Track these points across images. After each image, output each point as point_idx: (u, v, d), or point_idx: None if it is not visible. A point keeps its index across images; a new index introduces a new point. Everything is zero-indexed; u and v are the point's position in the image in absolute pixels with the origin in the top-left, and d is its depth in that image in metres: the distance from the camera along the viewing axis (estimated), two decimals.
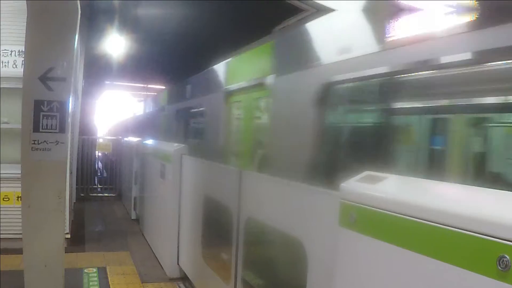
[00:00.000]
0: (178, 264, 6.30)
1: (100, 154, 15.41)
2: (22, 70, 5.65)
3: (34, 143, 4.65)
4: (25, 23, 4.55)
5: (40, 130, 4.65)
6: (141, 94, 24.80)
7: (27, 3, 4.43)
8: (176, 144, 6.51)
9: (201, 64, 7.96)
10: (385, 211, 2.08)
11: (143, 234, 8.61)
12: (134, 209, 10.15)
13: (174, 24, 11.24)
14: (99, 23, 11.72)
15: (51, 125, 4.67)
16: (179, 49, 13.47)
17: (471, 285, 1.65)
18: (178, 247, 6.29)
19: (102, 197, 12.95)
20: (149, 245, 7.86)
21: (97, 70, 16.51)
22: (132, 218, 10.17)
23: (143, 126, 12.76)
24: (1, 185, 6.58)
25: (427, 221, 1.84)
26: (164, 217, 6.71)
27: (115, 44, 13.33)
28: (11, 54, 6.86)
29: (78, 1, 4.57)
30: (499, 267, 1.54)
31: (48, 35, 4.55)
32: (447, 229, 1.75)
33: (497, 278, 1.54)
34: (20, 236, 4.90)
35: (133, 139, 11.14)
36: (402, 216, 1.98)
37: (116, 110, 26.14)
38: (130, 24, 12.16)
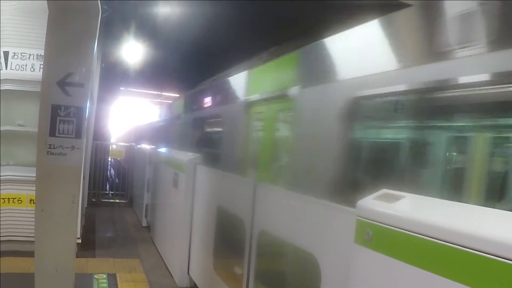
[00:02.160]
0: (188, 273, 6.27)
1: (112, 160, 15.47)
2: (39, 73, 5.71)
3: (50, 148, 4.67)
4: (45, 26, 4.60)
5: (57, 134, 4.67)
6: (155, 101, 24.94)
7: (47, 3, 4.47)
8: (190, 154, 6.51)
9: (217, 72, 7.87)
10: (402, 230, 2.05)
11: (153, 242, 8.59)
12: (145, 216, 10.15)
13: (191, 31, 11.27)
14: (115, 29, 11.81)
15: (68, 130, 4.69)
16: (195, 58, 13.51)
17: None
18: (188, 256, 6.27)
19: (113, 203, 12.98)
20: (159, 253, 7.84)
21: (113, 76, 16.64)
22: (143, 225, 10.17)
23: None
24: (14, 187, 6.63)
25: (445, 242, 1.81)
26: (176, 226, 6.70)
27: (131, 50, 13.43)
28: (29, 57, 6.93)
29: (99, 1, 4.60)
30: None
31: (68, 39, 4.57)
32: (465, 250, 1.72)
33: None
34: (32, 238, 4.93)
35: (146, 147, 11.15)
36: (419, 235, 1.95)
37: (130, 117, 26.27)
38: (146, 31, 12.24)
